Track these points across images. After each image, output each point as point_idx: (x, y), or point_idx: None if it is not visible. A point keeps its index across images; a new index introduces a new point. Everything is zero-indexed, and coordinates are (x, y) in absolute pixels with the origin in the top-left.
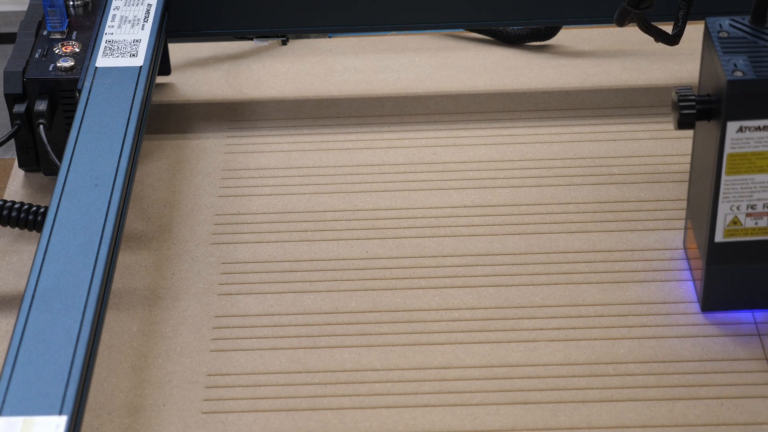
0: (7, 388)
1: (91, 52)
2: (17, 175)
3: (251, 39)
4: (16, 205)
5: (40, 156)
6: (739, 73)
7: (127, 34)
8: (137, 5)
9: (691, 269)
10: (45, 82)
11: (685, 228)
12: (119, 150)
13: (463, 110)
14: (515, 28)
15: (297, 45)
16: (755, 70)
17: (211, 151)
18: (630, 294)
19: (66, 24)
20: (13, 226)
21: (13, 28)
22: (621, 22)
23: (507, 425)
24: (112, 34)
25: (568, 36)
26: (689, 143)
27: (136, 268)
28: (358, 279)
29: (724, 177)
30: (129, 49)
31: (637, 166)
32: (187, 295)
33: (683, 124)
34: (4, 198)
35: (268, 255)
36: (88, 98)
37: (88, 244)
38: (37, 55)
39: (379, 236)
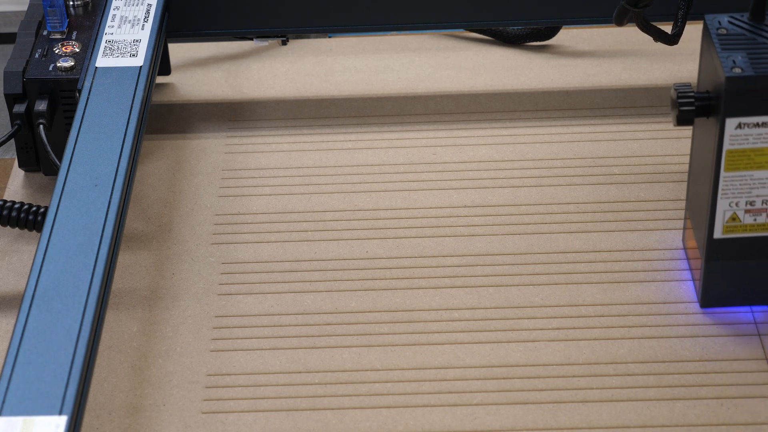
0: (7, 388)
1: (91, 52)
2: (17, 175)
3: (251, 39)
4: (16, 205)
5: (40, 156)
6: (737, 70)
7: (127, 34)
8: (137, 5)
9: (690, 268)
10: (45, 82)
11: (684, 225)
12: (119, 150)
13: (463, 110)
14: (515, 28)
15: (297, 45)
16: (754, 66)
17: (211, 151)
18: (630, 294)
19: (66, 24)
20: (13, 226)
21: (13, 28)
22: (620, 21)
23: (507, 425)
24: (112, 34)
25: (568, 36)
26: (689, 143)
27: (136, 268)
28: (358, 279)
29: (723, 173)
30: (129, 49)
31: (637, 166)
32: (187, 295)
33: (682, 120)
34: (4, 198)
35: (268, 255)
36: (88, 98)
37: (88, 244)
38: (37, 55)
39: (379, 236)
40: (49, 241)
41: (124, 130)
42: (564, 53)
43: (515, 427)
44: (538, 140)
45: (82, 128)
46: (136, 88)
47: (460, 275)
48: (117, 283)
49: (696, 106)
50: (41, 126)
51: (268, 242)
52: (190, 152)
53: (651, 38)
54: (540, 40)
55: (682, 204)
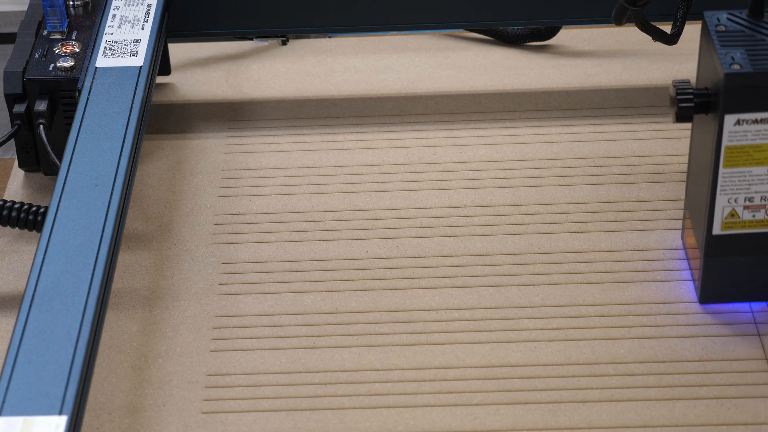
0: (7, 388)
1: (91, 52)
2: (17, 175)
3: (251, 39)
4: (16, 205)
5: (40, 156)
6: (736, 66)
7: (127, 34)
8: (137, 5)
9: (690, 265)
10: (45, 82)
11: (683, 222)
12: (119, 150)
13: (463, 110)
14: (515, 28)
15: (297, 45)
16: (752, 63)
17: (211, 151)
18: (630, 294)
19: (66, 24)
20: (13, 226)
21: (13, 28)
22: (618, 20)
23: (507, 425)
24: (112, 34)
25: (568, 36)
26: (689, 143)
27: (136, 268)
28: (358, 279)
29: (721, 170)
30: (129, 49)
31: (637, 166)
32: (187, 295)
33: (681, 117)
34: (4, 198)
35: (268, 255)
36: (88, 98)
37: (88, 244)
38: (37, 55)
39: (379, 236)
40: (49, 241)
41: (124, 130)
42: (564, 53)
43: (515, 427)
44: (538, 140)
45: (82, 128)
46: (136, 88)
47: (460, 275)
48: (117, 283)
49: (695, 103)
50: (41, 126)
51: (268, 242)
52: (190, 152)
53: (650, 38)
54: (540, 40)
55: (682, 204)
